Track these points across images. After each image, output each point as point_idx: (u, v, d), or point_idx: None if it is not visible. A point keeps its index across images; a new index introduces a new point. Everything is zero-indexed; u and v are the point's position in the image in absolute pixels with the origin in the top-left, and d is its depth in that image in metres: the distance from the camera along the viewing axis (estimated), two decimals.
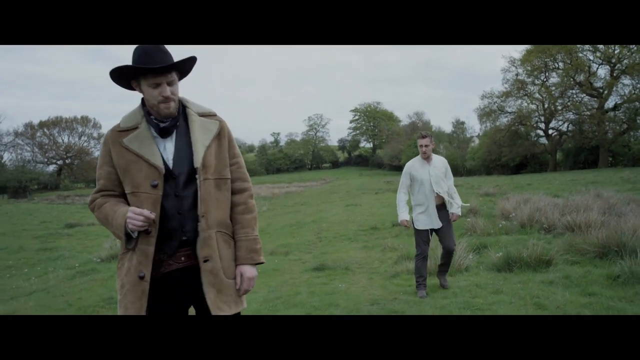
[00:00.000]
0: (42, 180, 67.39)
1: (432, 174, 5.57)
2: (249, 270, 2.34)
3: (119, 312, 2.21)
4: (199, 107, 2.42)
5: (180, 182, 2.23)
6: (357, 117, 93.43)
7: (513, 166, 52.28)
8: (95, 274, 8.22)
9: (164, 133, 2.26)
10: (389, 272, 7.01)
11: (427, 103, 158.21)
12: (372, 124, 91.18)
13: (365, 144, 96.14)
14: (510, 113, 53.51)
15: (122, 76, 2.22)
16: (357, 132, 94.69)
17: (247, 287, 2.33)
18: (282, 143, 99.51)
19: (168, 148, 2.27)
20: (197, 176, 2.23)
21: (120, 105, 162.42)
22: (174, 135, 2.29)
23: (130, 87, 2.29)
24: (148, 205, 2.17)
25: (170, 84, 2.21)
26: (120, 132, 2.25)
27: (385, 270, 7.22)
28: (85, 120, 77.46)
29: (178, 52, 2.15)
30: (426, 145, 5.56)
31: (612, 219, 8.49)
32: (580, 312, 4.40)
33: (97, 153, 77.94)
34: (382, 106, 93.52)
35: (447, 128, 78.88)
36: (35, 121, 74.29)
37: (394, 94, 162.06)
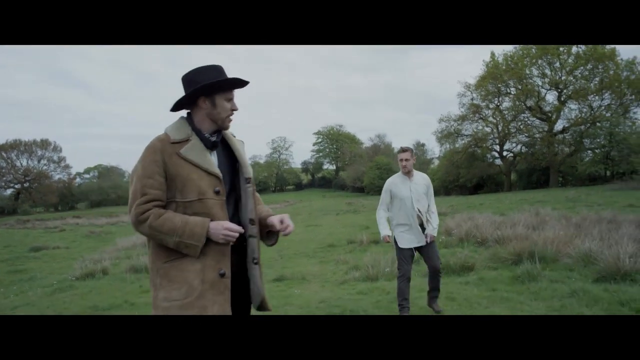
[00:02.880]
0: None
1: (413, 190, 5.34)
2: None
3: (189, 313, 2.26)
4: None
5: (225, 192, 2.45)
6: (320, 140, 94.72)
7: (470, 187, 54.23)
8: (74, 289, 8.86)
9: (213, 147, 2.47)
10: (338, 280, 8.04)
11: (391, 126, 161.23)
12: (335, 147, 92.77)
13: (329, 166, 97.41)
14: (466, 136, 55.85)
15: (198, 93, 2.44)
16: (320, 154, 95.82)
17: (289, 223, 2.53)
18: None
19: (214, 160, 2.47)
20: (248, 185, 2.53)
21: (84, 128, 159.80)
22: (217, 149, 2.51)
23: (184, 107, 2.53)
24: (218, 210, 2.37)
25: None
26: (173, 144, 2.38)
27: (336, 279, 8.24)
28: (45, 144, 76.21)
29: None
30: (406, 160, 5.33)
31: (533, 232, 9.78)
32: (480, 302, 5.58)
33: (57, 176, 76.47)
34: (345, 129, 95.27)
35: None
36: None
37: (359, 116, 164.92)
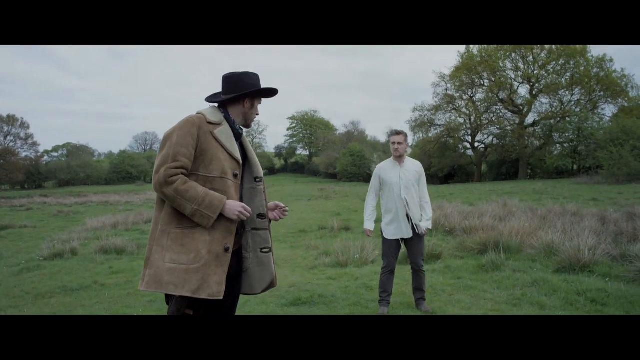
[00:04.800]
0: None
1: (402, 177, 5.04)
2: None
3: (193, 282, 2.45)
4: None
5: (240, 178, 2.74)
6: (294, 125, 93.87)
7: (442, 176, 55.01)
8: (42, 269, 8.73)
9: (238, 137, 2.77)
10: (309, 266, 8.16)
11: (365, 113, 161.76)
12: (308, 132, 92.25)
13: (302, 152, 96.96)
14: (439, 126, 56.36)
15: (247, 94, 2.77)
16: (294, 139, 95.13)
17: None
18: None
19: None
20: (259, 184, 2.83)
21: (53, 104, 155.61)
22: (237, 142, 2.76)
23: (228, 101, 2.79)
24: (233, 191, 2.64)
25: None
26: (209, 123, 2.65)
27: (306, 265, 8.35)
28: (11, 119, 74.04)
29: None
30: (399, 143, 5.03)
31: (500, 223, 10.04)
32: (444, 290, 5.77)
33: (24, 154, 74.55)
34: (319, 114, 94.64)
35: (382, 138, 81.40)
36: None
37: (334, 102, 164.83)
